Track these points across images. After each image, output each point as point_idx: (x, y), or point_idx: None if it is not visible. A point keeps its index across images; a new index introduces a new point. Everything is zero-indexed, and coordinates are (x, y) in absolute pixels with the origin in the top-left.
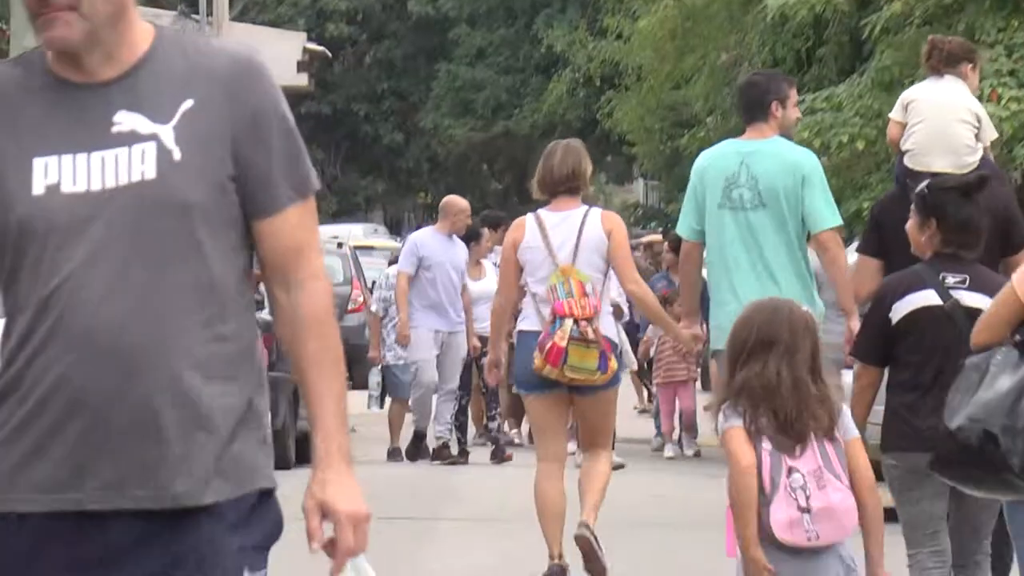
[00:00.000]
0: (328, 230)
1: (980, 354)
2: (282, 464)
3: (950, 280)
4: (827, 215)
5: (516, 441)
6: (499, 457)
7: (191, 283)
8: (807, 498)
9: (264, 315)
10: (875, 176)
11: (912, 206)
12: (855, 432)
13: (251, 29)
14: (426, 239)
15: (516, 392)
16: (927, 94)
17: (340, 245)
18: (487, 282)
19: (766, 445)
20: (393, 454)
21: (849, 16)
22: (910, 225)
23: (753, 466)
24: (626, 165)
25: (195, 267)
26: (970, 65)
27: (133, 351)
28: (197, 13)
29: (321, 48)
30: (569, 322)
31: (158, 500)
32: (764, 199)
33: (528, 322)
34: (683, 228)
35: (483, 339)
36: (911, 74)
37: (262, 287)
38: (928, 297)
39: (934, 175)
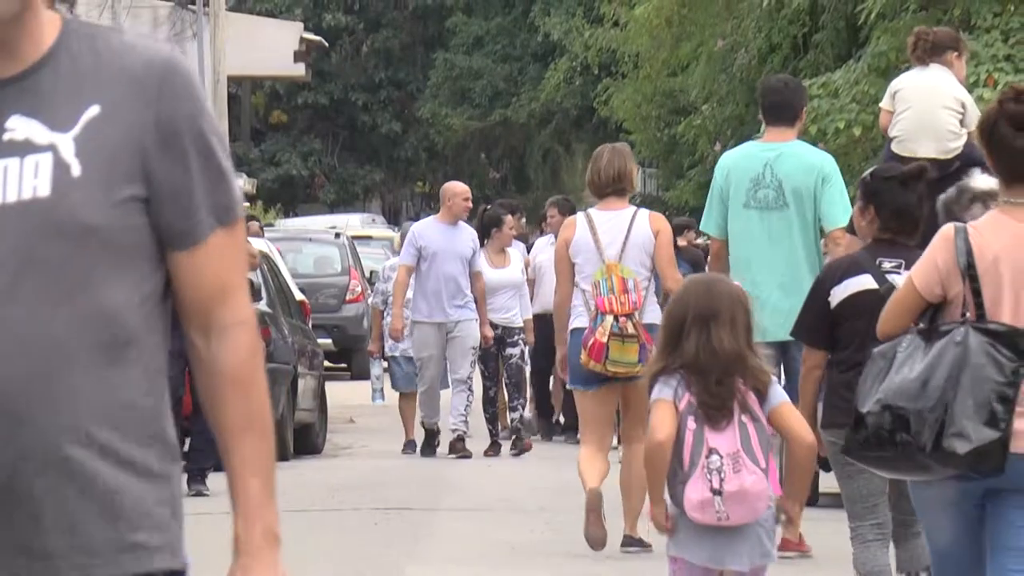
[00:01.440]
0: (326, 220)
1: (888, 343)
2: (280, 456)
3: (886, 265)
4: (840, 215)
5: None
6: (519, 449)
7: (89, 321)
8: (721, 480)
9: (262, 306)
10: (872, 162)
11: (858, 191)
12: (783, 397)
13: (248, 19)
14: (424, 228)
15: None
16: (913, 82)
17: (338, 235)
18: (510, 271)
19: (691, 424)
20: (408, 446)
21: (845, 2)
22: (854, 210)
23: (668, 440)
24: None
25: (94, 302)
26: (955, 53)
27: (16, 407)
28: (193, 3)
29: (318, 38)
30: (609, 318)
31: None
32: (788, 199)
33: (579, 320)
34: (710, 227)
35: (508, 329)
36: (907, 59)
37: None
38: (864, 282)
39: (919, 160)
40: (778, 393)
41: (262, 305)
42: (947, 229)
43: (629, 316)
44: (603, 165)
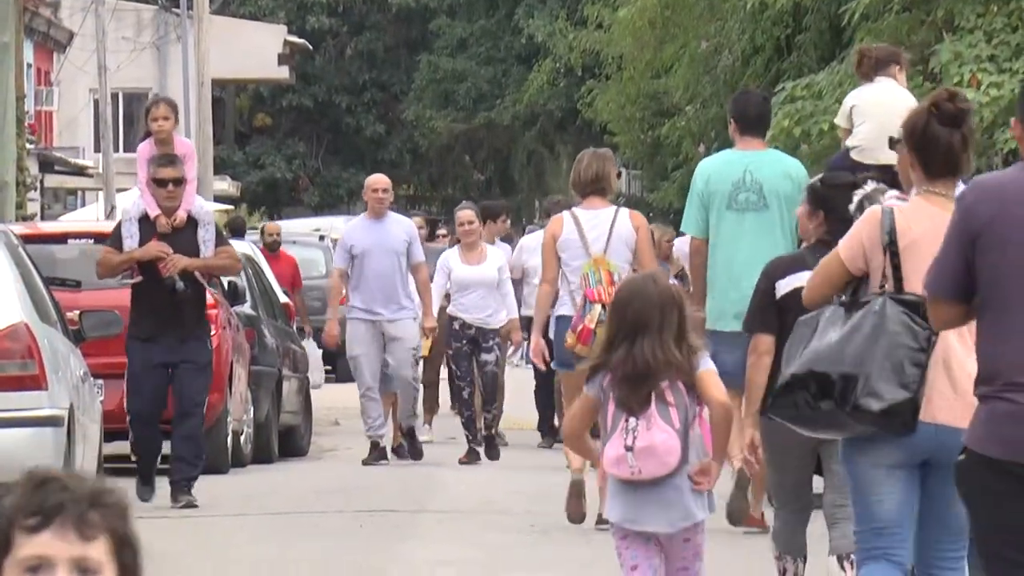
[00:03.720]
0: (310, 223)
1: (811, 313)
2: (265, 457)
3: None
4: None
5: (424, 438)
6: (493, 456)
7: None
8: (634, 438)
9: (246, 309)
10: None
11: (804, 195)
12: (706, 366)
13: (231, 22)
14: (352, 228)
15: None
16: (868, 96)
17: (322, 238)
18: (483, 268)
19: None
20: (397, 451)
21: (828, 3)
22: (800, 212)
23: (579, 432)
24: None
25: None
26: (897, 67)
27: None
28: (178, 7)
29: (302, 41)
30: (597, 307)
31: None
32: (767, 201)
33: (564, 308)
34: (692, 227)
35: (482, 331)
36: None
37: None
38: (806, 277)
39: (882, 167)
40: (703, 363)
41: (246, 308)
42: (875, 209)
43: None
44: (583, 167)
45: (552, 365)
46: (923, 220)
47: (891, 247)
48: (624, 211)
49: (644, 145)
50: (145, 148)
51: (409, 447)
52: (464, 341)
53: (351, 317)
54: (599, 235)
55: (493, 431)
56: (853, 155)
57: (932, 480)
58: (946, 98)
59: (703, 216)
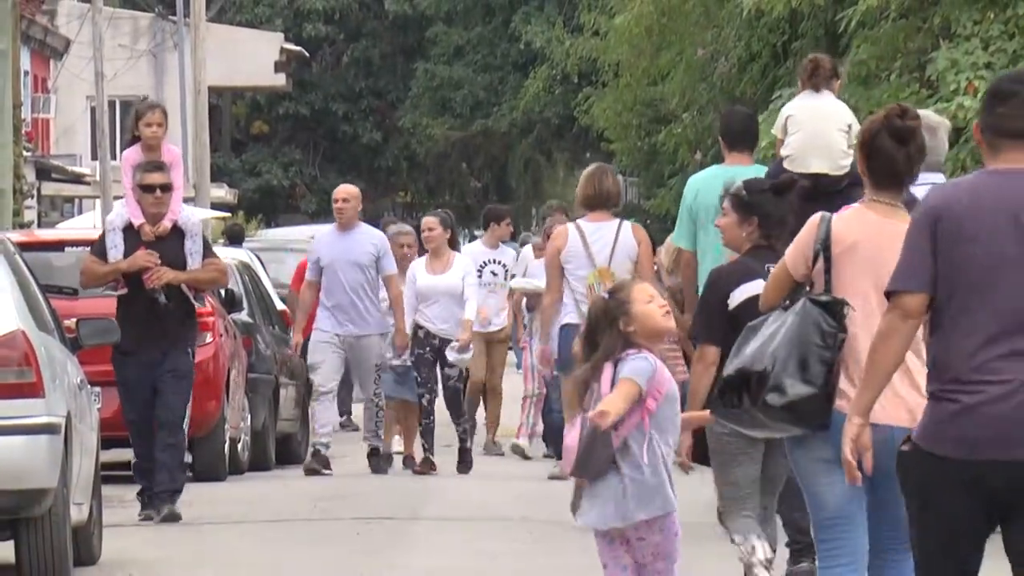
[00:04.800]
0: (307, 230)
1: (760, 318)
2: (262, 465)
3: (772, 268)
4: None
5: (396, 450)
6: (465, 468)
7: None
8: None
9: (243, 316)
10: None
11: (728, 205)
12: (627, 372)
13: (228, 30)
14: (321, 238)
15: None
16: (806, 106)
17: None
18: (446, 278)
19: None
20: (406, 461)
21: (825, 10)
22: (726, 223)
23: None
24: (604, 162)
25: None
26: (838, 81)
27: None
28: (174, 15)
29: (298, 48)
30: None
31: None
32: None
33: (569, 316)
34: (683, 241)
35: (446, 342)
36: (887, 68)
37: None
38: (758, 286)
39: (812, 175)
40: (629, 366)
41: (243, 315)
42: (815, 217)
43: None
44: (610, 183)
45: (556, 371)
46: (862, 227)
47: (824, 253)
48: (627, 224)
49: (641, 152)
50: (131, 154)
51: (374, 465)
52: (427, 348)
53: (317, 327)
54: (603, 247)
55: (467, 445)
56: (785, 164)
57: (872, 479)
58: (898, 114)
59: (692, 230)
